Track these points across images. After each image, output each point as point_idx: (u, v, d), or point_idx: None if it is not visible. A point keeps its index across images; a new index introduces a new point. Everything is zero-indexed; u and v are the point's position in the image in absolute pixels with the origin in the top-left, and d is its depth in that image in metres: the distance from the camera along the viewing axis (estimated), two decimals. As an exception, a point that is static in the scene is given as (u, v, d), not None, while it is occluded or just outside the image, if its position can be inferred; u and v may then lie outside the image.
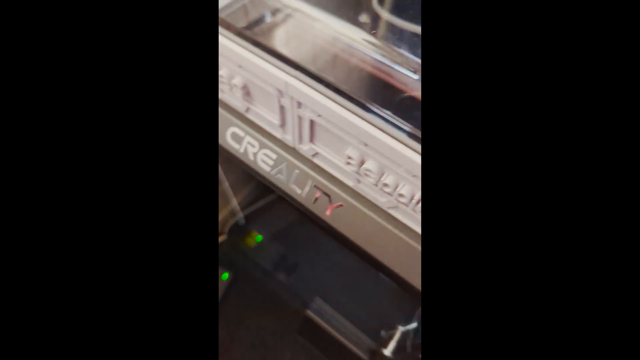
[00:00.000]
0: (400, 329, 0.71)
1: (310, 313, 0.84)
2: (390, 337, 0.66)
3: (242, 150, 0.48)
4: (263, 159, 0.47)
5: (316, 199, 0.45)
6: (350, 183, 0.43)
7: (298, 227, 0.98)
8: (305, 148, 0.43)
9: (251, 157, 0.48)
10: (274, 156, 0.46)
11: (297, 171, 0.45)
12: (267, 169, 0.47)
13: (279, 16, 0.44)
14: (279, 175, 0.47)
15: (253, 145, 0.47)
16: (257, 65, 0.39)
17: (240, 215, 0.96)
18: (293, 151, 0.45)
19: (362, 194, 0.42)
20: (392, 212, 0.40)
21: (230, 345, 0.90)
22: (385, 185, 0.37)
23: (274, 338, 0.91)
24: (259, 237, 0.97)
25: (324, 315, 0.85)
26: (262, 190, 1.01)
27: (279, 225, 0.98)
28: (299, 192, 0.46)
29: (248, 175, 1.01)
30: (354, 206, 0.42)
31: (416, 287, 0.42)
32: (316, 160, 0.44)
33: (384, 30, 0.42)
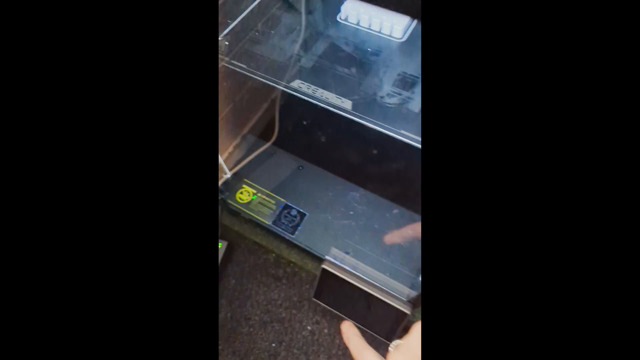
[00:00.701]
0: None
1: (327, 268, 0.66)
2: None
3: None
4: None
5: None
6: None
7: (299, 174, 0.81)
8: None
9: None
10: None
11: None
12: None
13: None
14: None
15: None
16: None
17: (227, 173, 0.80)
18: None
19: None
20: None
21: (236, 327, 0.72)
22: None
23: (287, 310, 0.74)
24: (255, 196, 0.80)
25: (345, 268, 0.67)
26: (252, 145, 0.85)
27: (276, 175, 0.81)
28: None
29: (234, 127, 0.86)
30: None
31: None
32: None
33: None
